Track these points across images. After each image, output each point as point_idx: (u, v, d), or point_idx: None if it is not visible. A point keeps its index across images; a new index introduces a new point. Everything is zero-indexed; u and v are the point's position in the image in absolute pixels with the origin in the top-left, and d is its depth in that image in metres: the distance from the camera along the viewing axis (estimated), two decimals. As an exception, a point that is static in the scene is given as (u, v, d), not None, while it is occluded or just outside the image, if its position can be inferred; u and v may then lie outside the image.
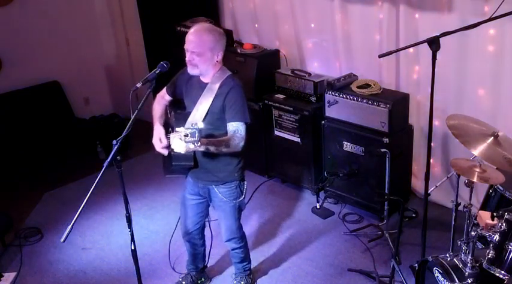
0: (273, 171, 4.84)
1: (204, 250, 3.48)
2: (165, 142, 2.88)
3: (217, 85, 2.88)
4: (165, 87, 3.12)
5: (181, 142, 2.46)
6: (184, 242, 3.38)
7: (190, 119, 2.86)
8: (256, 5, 5.06)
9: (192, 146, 2.47)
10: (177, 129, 2.51)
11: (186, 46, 2.82)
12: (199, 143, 2.48)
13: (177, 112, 2.99)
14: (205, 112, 2.86)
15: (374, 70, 4.31)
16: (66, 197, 4.79)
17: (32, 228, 4.31)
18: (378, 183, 3.91)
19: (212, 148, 2.74)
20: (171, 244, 3.44)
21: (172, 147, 2.60)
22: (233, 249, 3.34)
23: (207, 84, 2.90)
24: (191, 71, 2.87)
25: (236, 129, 2.83)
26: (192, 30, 2.83)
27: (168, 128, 2.98)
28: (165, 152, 2.89)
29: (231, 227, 3.21)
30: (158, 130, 2.96)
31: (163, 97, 3.12)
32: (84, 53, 6.03)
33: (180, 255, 3.66)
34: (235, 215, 3.17)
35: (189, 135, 2.44)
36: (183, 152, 2.54)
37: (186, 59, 2.84)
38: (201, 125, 2.50)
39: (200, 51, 2.78)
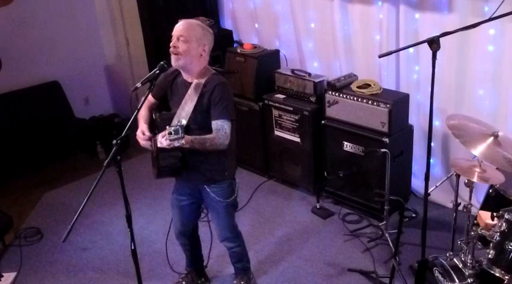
0: (273, 171, 4.84)
1: (200, 250, 3.48)
2: (147, 134, 2.85)
3: (201, 84, 2.85)
4: None
5: (165, 140, 2.49)
6: (179, 244, 3.38)
7: (175, 119, 2.84)
8: (256, 5, 5.07)
9: (176, 143, 2.48)
10: (161, 132, 2.53)
11: (173, 33, 2.82)
12: (183, 140, 2.50)
13: (163, 113, 2.97)
14: (191, 111, 2.84)
15: (374, 70, 4.31)
16: (66, 197, 4.80)
17: (32, 228, 4.31)
18: (378, 183, 3.91)
19: (197, 146, 2.73)
20: (171, 244, 3.43)
21: (158, 145, 2.60)
22: (229, 248, 3.32)
23: (191, 83, 2.88)
24: (174, 62, 2.82)
25: (221, 127, 2.80)
26: (181, 21, 2.85)
27: (154, 130, 2.96)
28: (147, 144, 2.88)
29: (225, 227, 3.19)
30: (141, 126, 2.95)
31: (148, 100, 3.10)
32: (84, 53, 6.04)
33: (179, 255, 3.65)
34: (228, 215, 3.15)
35: (173, 133, 2.47)
36: (168, 147, 2.54)
37: (171, 46, 2.81)
38: (184, 122, 2.52)
39: (187, 36, 2.77)
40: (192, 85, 2.87)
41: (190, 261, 3.46)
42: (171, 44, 2.82)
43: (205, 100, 2.83)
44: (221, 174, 3.01)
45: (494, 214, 2.61)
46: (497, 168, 2.87)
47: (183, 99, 2.87)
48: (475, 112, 3.64)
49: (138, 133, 2.91)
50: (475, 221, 2.84)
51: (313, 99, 4.35)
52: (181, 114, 2.84)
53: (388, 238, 3.78)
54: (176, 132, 2.47)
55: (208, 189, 3.03)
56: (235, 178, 3.13)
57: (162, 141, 2.51)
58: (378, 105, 3.89)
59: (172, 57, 2.83)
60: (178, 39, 2.80)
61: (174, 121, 2.80)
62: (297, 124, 4.40)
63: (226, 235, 3.23)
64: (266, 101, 4.60)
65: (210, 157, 2.91)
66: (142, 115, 3.04)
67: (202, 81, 2.86)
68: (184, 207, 3.19)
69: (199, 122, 2.85)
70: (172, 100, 3.01)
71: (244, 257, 3.42)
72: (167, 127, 2.50)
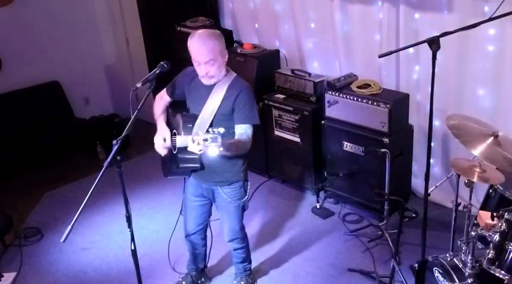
0: (273, 171, 4.84)
1: (205, 250, 3.48)
2: (168, 143, 2.88)
3: (225, 87, 2.86)
4: (165, 88, 3.11)
5: (199, 146, 2.44)
6: (186, 242, 3.38)
7: (198, 121, 2.85)
8: (256, 5, 5.06)
9: (215, 150, 2.45)
10: (194, 137, 2.47)
11: (197, 59, 2.77)
12: (221, 147, 2.47)
13: (183, 114, 2.96)
14: (214, 114, 2.86)
15: (374, 70, 4.31)
16: (66, 197, 4.79)
17: (32, 228, 4.31)
18: (378, 183, 3.91)
19: (232, 150, 2.76)
20: (171, 244, 3.44)
21: (189, 149, 2.54)
22: (235, 249, 3.34)
23: (213, 85, 2.89)
24: (208, 82, 2.86)
25: (244, 131, 2.85)
26: (194, 40, 2.77)
27: (171, 129, 2.97)
28: (164, 152, 2.89)
29: (235, 228, 3.21)
30: (163, 130, 2.97)
31: (162, 98, 3.11)
32: (84, 53, 6.04)
33: (180, 255, 3.66)
34: (238, 216, 3.17)
35: (209, 139, 2.42)
36: (199, 153, 2.52)
37: (202, 73, 2.81)
38: (222, 130, 2.48)
39: (213, 56, 2.76)
40: (215, 89, 2.88)
41: (194, 260, 3.46)
42: (202, 72, 2.80)
43: (229, 104, 2.85)
44: (236, 175, 3.04)
45: (494, 214, 2.61)
46: (497, 168, 2.87)
47: (206, 101, 2.87)
48: (475, 112, 3.63)
49: (158, 137, 2.92)
50: (475, 221, 2.84)
51: (313, 99, 4.35)
52: (204, 117, 2.86)
53: (388, 238, 3.78)
54: (214, 139, 2.42)
55: (221, 190, 3.05)
56: (248, 179, 3.15)
57: (194, 145, 2.46)
58: (378, 105, 3.89)
59: (206, 80, 2.85)
60: (208, 63, 2.77)
61: (197, 125, 2.81)
62: (297, 124, 4.40)
63: (235, 236, 3.25)
64: (266, 101, 4.60)
65: (228, 159, 2.92)
66: (159, 112, 3.07)
67: (226, 84, 2.87)
68: (197, 207, 3.21)
69: (221, 125, 2.84)
70: (190, 100, 3.01)
71: (248, 258, 3.44)
72: (199, 132, 2.49)
